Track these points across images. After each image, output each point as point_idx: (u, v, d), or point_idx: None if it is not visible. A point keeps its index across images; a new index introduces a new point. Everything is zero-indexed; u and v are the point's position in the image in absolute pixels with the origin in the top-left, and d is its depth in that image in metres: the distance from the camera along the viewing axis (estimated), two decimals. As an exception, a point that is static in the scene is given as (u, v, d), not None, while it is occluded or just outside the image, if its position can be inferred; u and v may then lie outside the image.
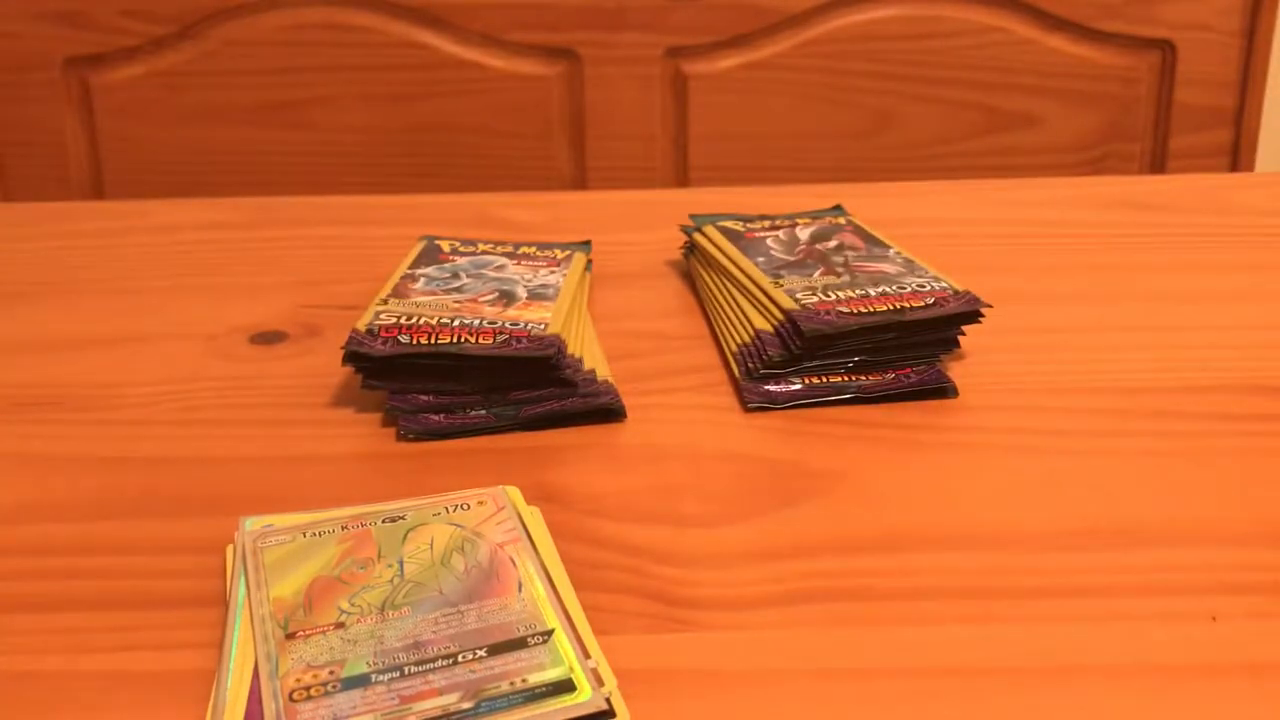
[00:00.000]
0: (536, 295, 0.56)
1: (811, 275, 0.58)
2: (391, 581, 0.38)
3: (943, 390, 0.53)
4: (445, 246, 0.64)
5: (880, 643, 0.37)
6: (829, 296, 0.55)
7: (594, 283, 0.66)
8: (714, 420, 0.51)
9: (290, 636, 0.36)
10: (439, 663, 0.34)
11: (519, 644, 0.35)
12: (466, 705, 0.33)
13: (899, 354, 0.53)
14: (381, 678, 0.34)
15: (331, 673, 0.34)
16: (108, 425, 0.51)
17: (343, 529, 0.41)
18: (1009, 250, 0.70)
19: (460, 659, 0.34)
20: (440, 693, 0.33)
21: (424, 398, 0.50)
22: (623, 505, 0.44)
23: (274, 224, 0.77)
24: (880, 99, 1.40)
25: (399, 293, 0.56)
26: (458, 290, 0.57)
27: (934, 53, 1.39)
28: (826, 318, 0.53)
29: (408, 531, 0.41)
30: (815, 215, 0.68)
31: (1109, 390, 0.53)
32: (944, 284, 0.56)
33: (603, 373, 0.53)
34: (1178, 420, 0.50)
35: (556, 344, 0.51)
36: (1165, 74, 1.40)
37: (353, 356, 0.51)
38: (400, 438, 0.50)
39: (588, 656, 0.35)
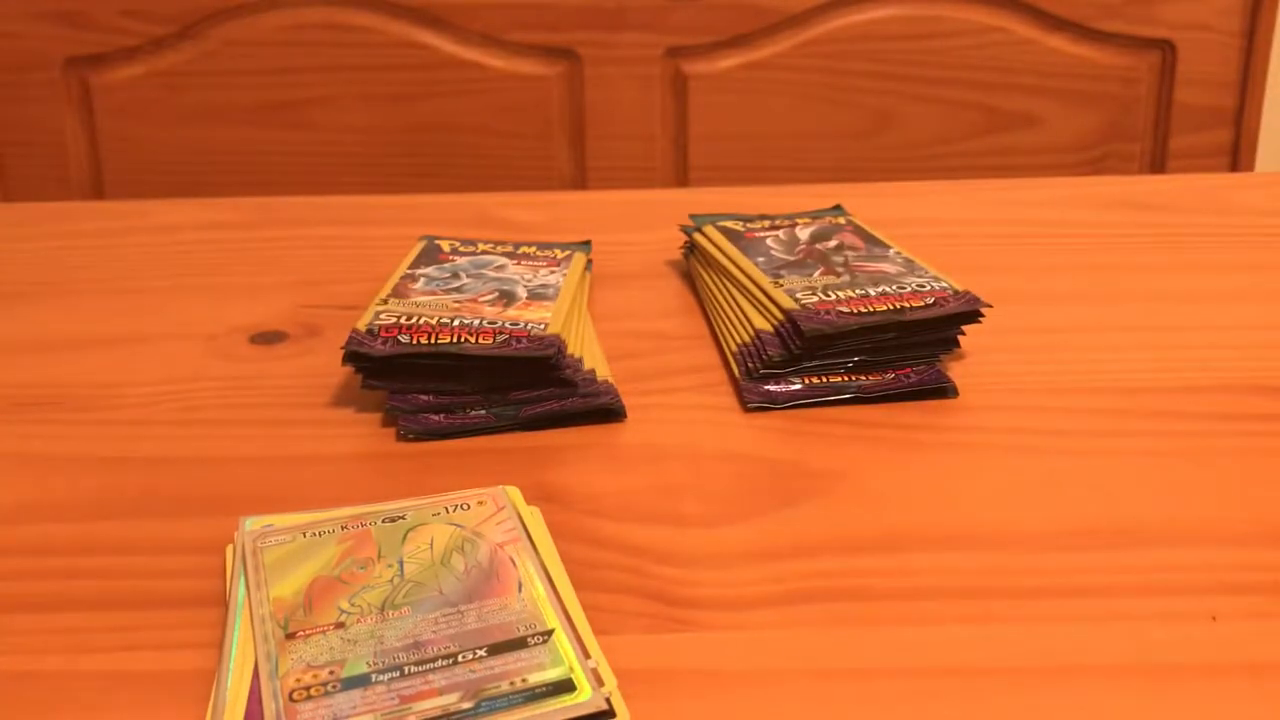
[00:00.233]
0: (536, 295, 0.56)
1: (811, 275, 0.58)
2: (391, 581, 0.38)
3: (943, 390, 0.53)
4: (445, 246, 0.64)
5: (880, 643, 0.37)
6: (829, 296, 0.55)
7: (594, 283, 0.66)
8: (714, 420, 0.51)
9: (290, 636, 0.36)
10: (439, 663, 0.34)
11: (519, 644, 0.35)
12: (466, 705, 0.33)
13: (899, 354, 0.53)
14: (381, 678, 0.34)
15: (331, 673, 0.34)
16: (108, 425, 0.51)
17: (343, 529, 0.41)
18: (1009, 250, 0.70)
19: (460, 659, 0.34)
20: (440, 693, 0.33)
21: (424, 398, 0.50)
22: (623, 505, 0.44)
23: (274, 224, 0.77)
24: (880, 99, 1.40)
25: (399, 293, 0.56)
26: (458, 290, 0.57)
27: (934, 53, 1.39)
28: (826, 318, 0.53)
29: (408, 531, 0.41)
30: (815, 215, 0.68)
31: (1109, 390, 0.53)
32: (944, 284, 0.56)
33: (603, 373, 0.53)
34: (1178, 420, 0.50)
35: (556, 344, 0.51)
36: (1165, 74, 1.40)
37: (353, 356, 0.51)
38: (400, 438, 0.50)
39: (588, 656, 0.35)
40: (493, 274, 0.59)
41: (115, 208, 0.80)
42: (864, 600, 0.39)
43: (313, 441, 0.49)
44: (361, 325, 0.52)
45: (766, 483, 0.46)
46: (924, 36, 1.38)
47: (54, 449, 0.49)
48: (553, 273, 0.60)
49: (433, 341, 0.50)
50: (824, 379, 0.53)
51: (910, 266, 0.59)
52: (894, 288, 0.56)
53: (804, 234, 0.64)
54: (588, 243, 0.66)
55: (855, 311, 0.53)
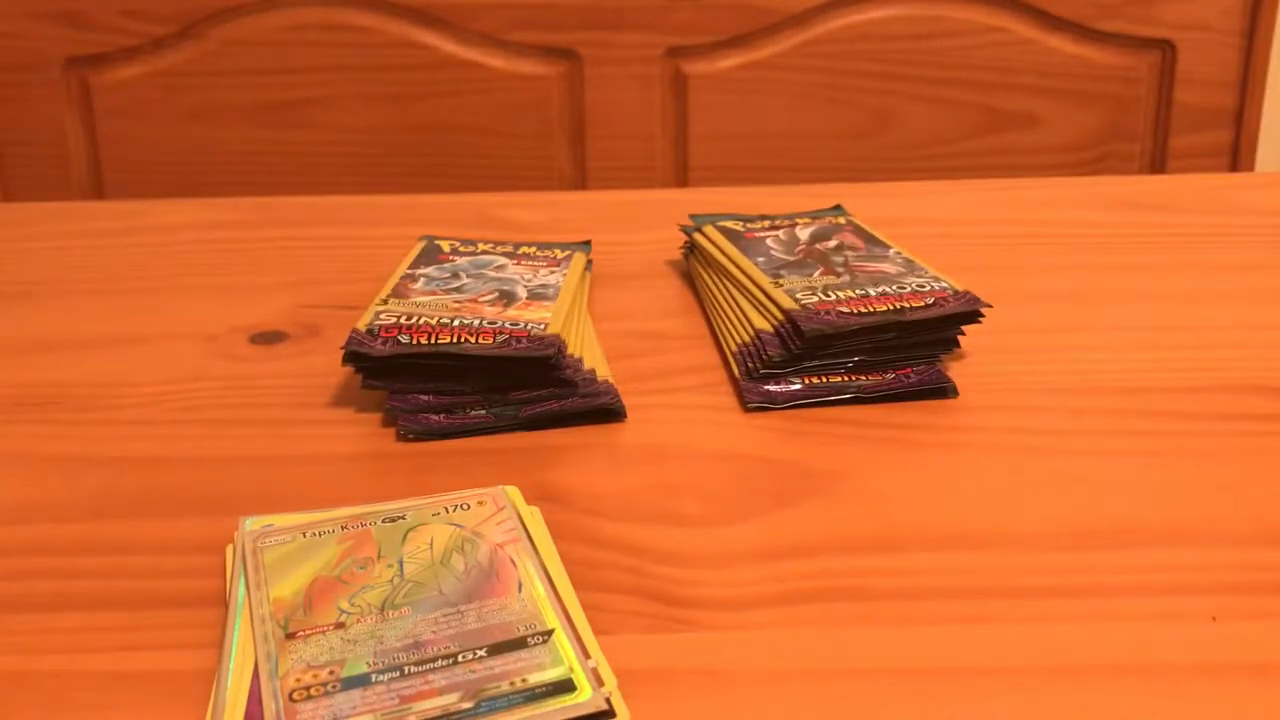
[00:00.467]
0: (536, 295, 0.56)
1: (811, 275, 0.58)
2: (391, 581, 0.38)
3: (943, 390, 0.52)
4: (445, 246, 0.64)
5: (880, 643, 0.37)
6: (829, 296, 0.55)
7: (594, 283, 0.66)
8: (714, 420, 0.51)
9: (290, 636, 0.36)
10: (439, 663, 0.34)
11: (519, 644, 0.35)
12: (466, 705, 0.33)
13: (899, 354, 0.53)
14: (381, 678, 0.34)
15: (331, 673, 0.34)
16: (108, 425, 0.51)
17: (343, 529, 0.41)
18: (1009, 250, 0.70)
19: (460, 659, 0.34)
20: (440, 693, 0.33)
21: (424, 398, 0.50)
22: (623, 505, 0.44)
23: (274, 224, 0.77)
24: (880, 99, 1.40)
25: (399, 293, 0.56)
26: (458, 290, 0.57)
27: (934, 53, 1.39)
28: (826, 318, 0.53)
29: (408, 531, 0.41)
30: (815, 215, 0.68)
31: (1109, 390, 0.53)
32: (944, 284, 0.56)
33: (603, 373, 0.53)
34: (1178, 420, 0.50)
35: (556, 344, 0.51)
36: (1165, 74, 1.40)
37: (353, 356, 0.51)
38: (400, 438, 0.50)
39: (588, 656, 0.35)
40: (493, 274, 0.59)
41: (115, 208, 0.80)
42: (864, 600, 0.39)
43: (313, 441, 0.49)
44: (361, 325, 0.52)
45: (766, 483, 0.46)
46: (924, 36, 1.38)
47: (54, 449, 0.49)
48: (553, 273, 0.60)
49: (433, 341, 0.50)
50: (824, 379, 0.53)
51: (910, 266, 0.59)
52: (894, 288, 0.56)
53: (804, 234, 0.64)
54: (588, 243, 0.66)
55: (855, 311, 0.53)
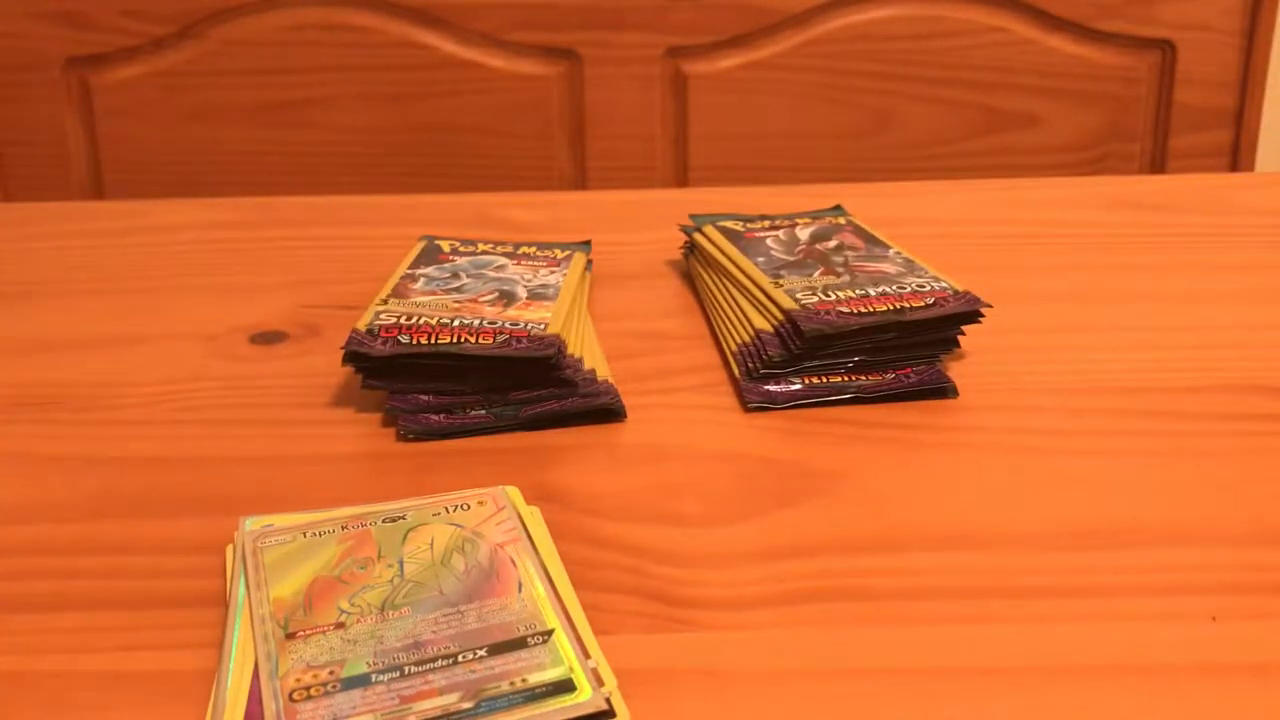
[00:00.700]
0: (536, 295, 0.56)
1: (811, 275, 0.58)
2: (391, 581, 0.38)
3: (943, 390, 0.52)
4: (445, 246, 0.64)
5: (880, 643, 0.37)
6: (829, 296, 0.55)
7: (594, 283, 0.66)
8: (714, 420, 0.51)
9: (290, 636, 0.36)
10: (439, 663, 0.34)
11: (519, 644, 0.35)
12: (466, 705, 0.33)
13: (899, 354, 0.53)
14: (381, 678, 0.34)
15: (331, 673, 0.34)
16: (108, 425, 0.51)
17: (343, 529, 0.41)
18: (1009, 250, 0.70)
19: (460, 659, 0.34)
20: (440, 693, 0.33)
21: (424, 398, 0.50)
22: (623, 505, 0.44)
23: (274, 224, 0.77)
24: (880, 99, 1.40)
25: (399, 293, 0.56)
26: (458, 290, 0.57)
27: (934, 53, 1.39)
28: (826, 318, 0.53)
29: (408, 531, 0.41)
30: (815, 215, 0.68)
31: (1109, 390, 0.53)
32: (944, 284, 0.56)
33: (603, 373, 0.53)
34: (1178, 420, 0.50)
35: (556, 344, 0.51)
36: (1165, 74, 1.40)
37: (353, 356, 0.51)
38: (400, 438, 0.50)
39: (588, 656, 0.35)
40: (493, 274, 0.59)
41: (115, 208, 0.80)
42: (864, 600, 0.39)
43: (313, 441, 0.49)
44: (361, 325, 0.52)
45: (766, 483, 0.46)
46: (924, 36, 1.38)
47: (54, 449, 0.49)
48: (553, 273, 0.60)
49: (433, 341, 0.50)
50: (824, 379, 0.53)
51: (910, 266, 0.59)
52: (894, 288, 0.56)
53: (804, 234, 0.64)
54: (588, 243, 0.66)
55: (855, 311, 0.53)
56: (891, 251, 0.61)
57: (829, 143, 1.41)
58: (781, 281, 0.57)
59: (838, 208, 0.70)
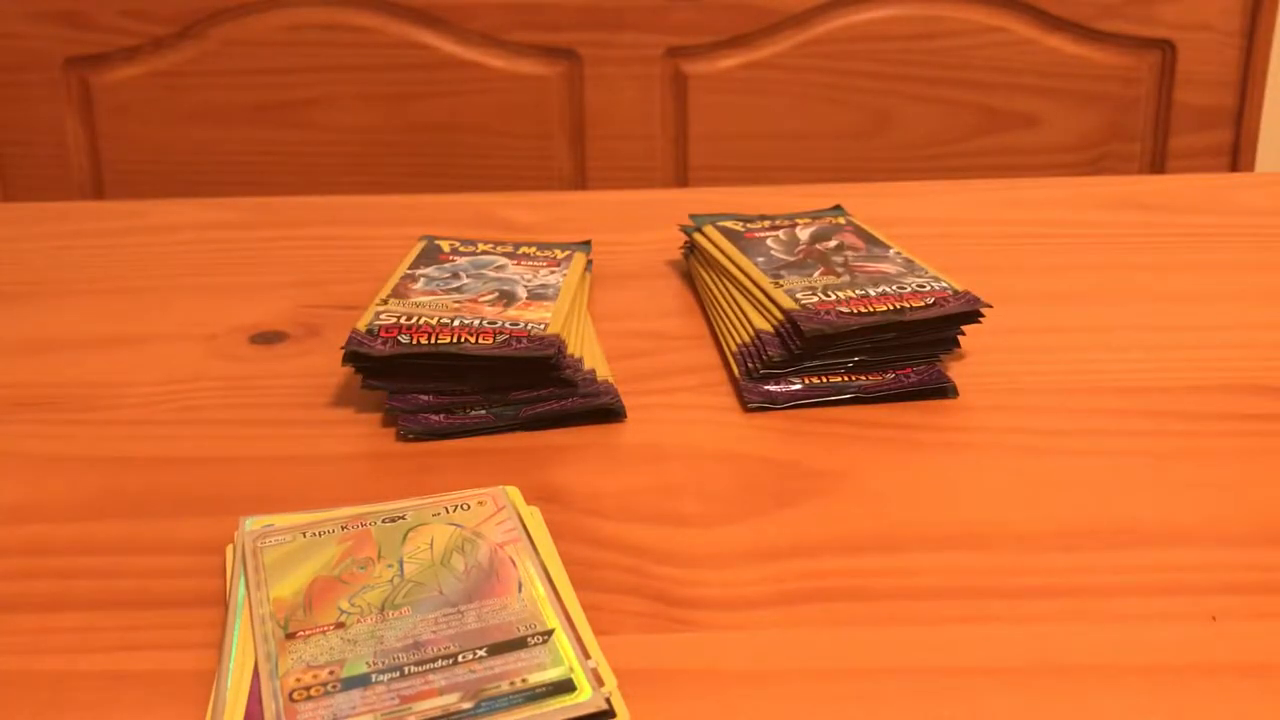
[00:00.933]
0: (536, 295, 0.56)
1: (811, 275, 0.58)
2: (391, 581, 0.38)
3: (943, 390, 0.53)
4: (445, 246, 0.64)
5: (880, 643, 0.37)
6: (829, 296, 0.55)
7: (594, 283, 0.66)
8: (714, 420, 0.51)
9: (290, 636, 0.36)
10: (439, 663, 0.34)
11: (519, 644, 0.35)
12: (466, 705, 0.33)
13: (899, 354, 0.53)
14: (381, 678, 0.34)
15: (331, 673, 0.34)
16: (108, 425, 0.51)
17: (343, 529, 0.41)
18: (1009, 250, 0.70)
19: (460, 659, 0.34)
20: (440, 693, 0.33)
21: (424, 398, 0.50)
22: (623, 505, 0.44)
23: (274, 224, 0.77)
24: (880, 99, 1.40)
25: (399, 293, 0.56)
26: (458, 290, 0.57)
27: (934, 53, 1.39)
28: (826, 318, 0.53)
29: (408, 531, 0.41)
30: (815, 215, 0.68)
31: (1109, 390, 0.53)
32: (944, 284, 0.56)
33: (603, 373, 0.53)
34: (1178, 420, 0.50)
35: (556, 344, 0.51)
36: (1165, 74, 1.40)
37: (353, 356, 0.51)
38: (400, 438, 0.50)
39: (588, 656, 0.35)
40: (493, 274, 0.59)
41: (115, 208, 0.80)
42: (864, 600, 0.39)
43: (313, 441, 0.49)
44: (361, 325, 0.52)
45: (766, 483, 0.46)
46: (924, 36, 1.38)
47: (54, 449, 0.49)
48: (553, 273, 0.60)
49: (433, 342, 0.50)
50: (824, 379, 0.53)
51: (910, 266, 0.59)
52: (894, 288, 0.56)
53: (804, 234, 0.64)
54: (588, 243, 0.66)
55: (855, 311, 0.53)
56: (891, 251, 0.61)
57: (829, 143, 1.41)
58: (781, 281, 0.57)
59: (838, 208, 0.70)
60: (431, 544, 0.40)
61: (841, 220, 0.67)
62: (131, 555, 0.42)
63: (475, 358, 0.50)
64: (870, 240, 0.63)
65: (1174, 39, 1.38)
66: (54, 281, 0.68)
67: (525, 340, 0.51)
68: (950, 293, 0.55)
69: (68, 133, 1.40)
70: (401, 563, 0.39)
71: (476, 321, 0.52)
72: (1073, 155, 1.42)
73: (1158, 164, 1.43)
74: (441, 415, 0.50)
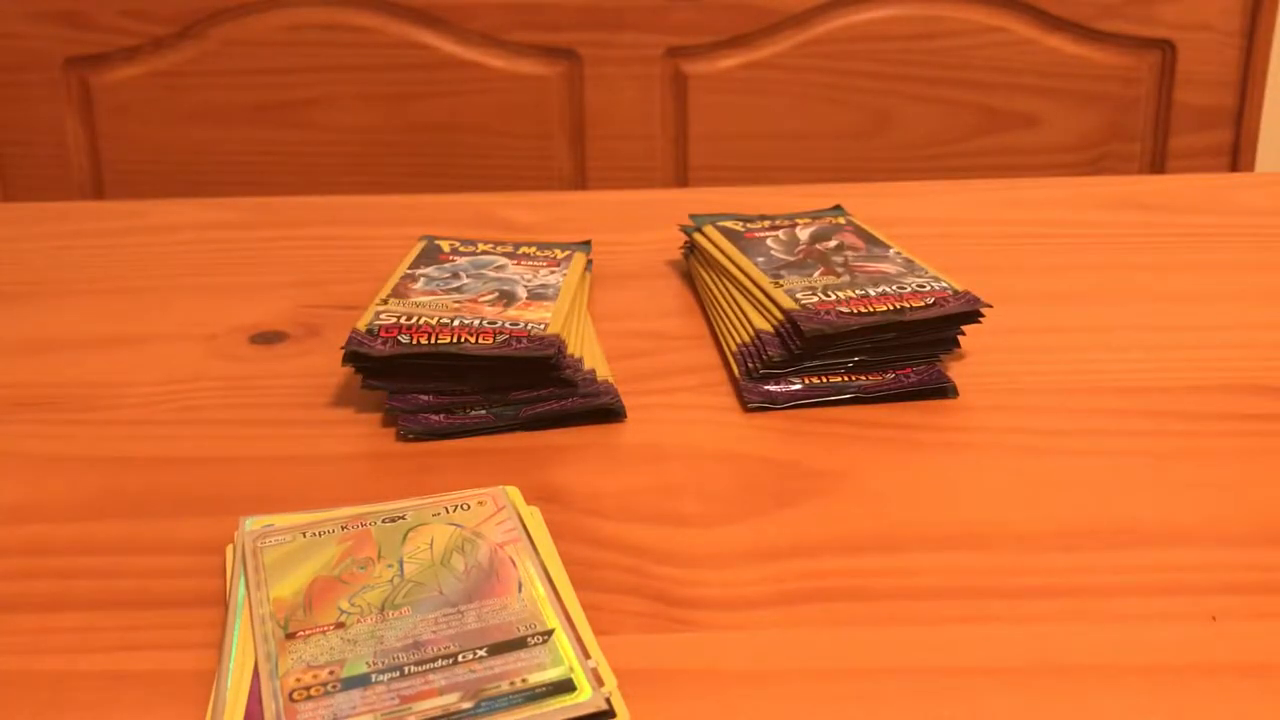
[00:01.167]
0: (536, 295, 0.56)
1: (811, 275, 0.58)
2: (391, 581, 0.38)
3: (943, 390, 0.53)
4: (445, 246, 0.64)
5: (880, 643, 0.37)
6: (829, 296, 0.55)
7: (594, 283, 0.66)
8: (714, 420, 0.51)
9: (290, 636, 0.36)
10: (439, 663, 0.34)
11: (519, 644, 0.35)
12: (466, 705, 0.33)
13: (899, 354, 0.53)
14: (381, 678, 0.34)
15: (331, 673, 0.34)
16: (108, 425, 0.51)
17: (343, 529, 0.41)
18: (1009, 250, 0.70)
19: (460, 659, 0.34)
20: (440, 693, 0.33)
21: (424, 398, 0.50)
22: (623, 505, 0.44)
23: (274, 224, 0.77)
24: (880, 99, 1.40)
25: (399, 293, 0.56)
26: (458, 290, 0.57)
27: (934, 53, 1.39)
28: (826, 318, 0.53)
29: (408, 531, 0.41)
30: (815, 215, 0.68)
31: (1109, 390, 0.53)
32: (944, 284, 0.56)
33: (603, 373, 0.53)
34: (1178, 420, 0.50)
35: (556, 344, 0.51)
36: (1165, 74, 1.40)
37: (353, 356, 0.51)
38: (400, 438, 0.50)
39: (588, 656, 0.35)
40: (493, 274, 0.59)
41: (115, 208, 0.80)
42: (864, 600, 0.39)
43: (313, 441, 0.49)
44: (361, 325, 0.52)
45: (766, 483, 0.46)
46: (924, 36, 1.38)
47: (54, 449, 0.49)
48: (553, 273, 0.60)
49: (433, 342, 0.50)
50: (824, 379, 0.53)
51: (910, 266, 0.59)
52: (894, 288, 0.56)
53: (804, 234, 0.64)
54: (588, 243, 0.66)
55: (855, 311, 0.53)
56: (891, 251, 0.61)
57: (829, 143, 1.41)
58: (781, 281, 0.57)
59: (838, 208, 0.70)
60: (431, 544, 0.40)
61: (841, 220, 0.67)
62: (131, 555, 0.42)
63: (475, 358, 0.50)
64: (870, 240, 0.63)
65: (1174, 39, 1.38)
66: (54, 281, 0.68)
67: (525, 340, 0.51)
68: (950, 293, 0.55)
69: (68, 133, 1.40)
70: (401, 563, 0.39)
71: (476, 321, 0.52)
72: (1073, 155, 1.42)
73: (1158, 164, 1.43)
74: (441, 415, 0.50)
